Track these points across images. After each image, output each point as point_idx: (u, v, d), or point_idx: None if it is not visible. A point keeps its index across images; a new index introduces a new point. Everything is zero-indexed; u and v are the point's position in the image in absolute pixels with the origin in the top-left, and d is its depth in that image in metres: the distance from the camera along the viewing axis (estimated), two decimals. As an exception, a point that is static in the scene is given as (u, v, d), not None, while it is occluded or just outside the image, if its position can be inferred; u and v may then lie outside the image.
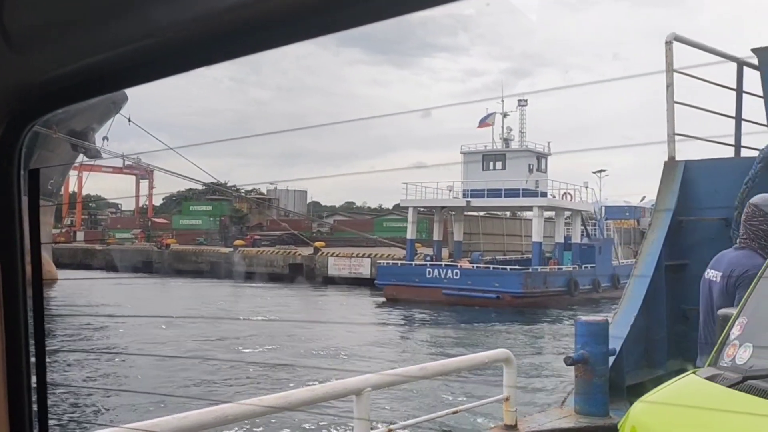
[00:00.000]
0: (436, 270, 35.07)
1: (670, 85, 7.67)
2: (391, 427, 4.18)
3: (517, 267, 35.66)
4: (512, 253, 45.68)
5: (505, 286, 32.76)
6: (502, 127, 40.76)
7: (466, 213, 42.70)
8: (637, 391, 4.44)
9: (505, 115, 40.81)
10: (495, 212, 48.09)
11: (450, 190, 39.58)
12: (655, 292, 7.15)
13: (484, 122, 40.41)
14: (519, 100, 44.33)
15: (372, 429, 4.03)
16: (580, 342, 5.79)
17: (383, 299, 35.42)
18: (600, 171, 52.99)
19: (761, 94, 8.27)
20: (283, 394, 3.79)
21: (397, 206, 41.36)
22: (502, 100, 39.97)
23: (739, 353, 2.77)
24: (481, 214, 46.41)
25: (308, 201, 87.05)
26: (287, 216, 67.11)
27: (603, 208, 50.38)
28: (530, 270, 34.73)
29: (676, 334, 7.24)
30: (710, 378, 2.73)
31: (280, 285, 42.24)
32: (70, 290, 33.78)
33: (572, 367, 5.88)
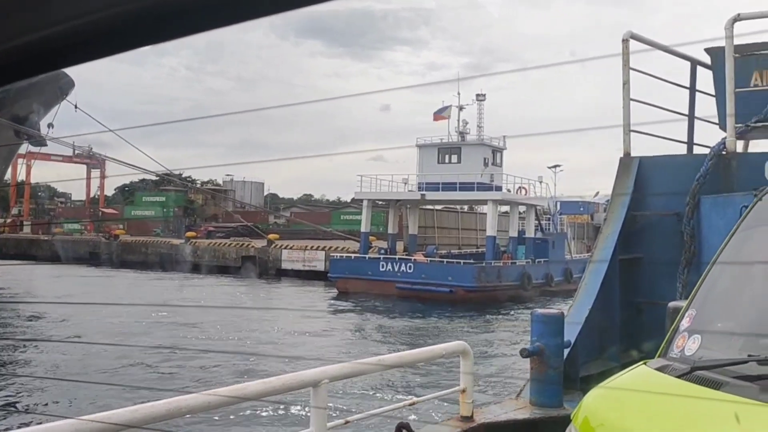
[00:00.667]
0: (389, 263, 34.94)
1: (626, 82, 7.79)
2: (349, 419, 4.17)
3: (471, 261, 35.74)
4: (468, 247, 45.59)
5: (459, 280, 32.71)
6: (458, 120, 40.83)
7: (421, 206, 42.64)
8: (591, 382, 4.52)
9: (461, 108, 40.79)
10: (452, 206, 48.00)
11: (405, 183, 39.36)
12: (609, 285, 7.28)
13: (439, 115, 40.33)
14: (477, 95, 44.57)
15: (329, 421, 4.01)
16: (536, 334, 5.86)
17: (336, 292, 35.06)
18: (555, 166, 53.41)
19: (713, 93, 8.47)
20: (239, 386, 3.75)
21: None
22: (458, 93, 40.09)
23: (688, 344, 2.82)
24: (437, 207, 46.39)
25: (266, 193, 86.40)
26: (243, 208, 66.42)
27: (558, 204, 51.09)
28: (484, 264, 34.85)
29: (630, 326, 7.39)
30: (660, 369, 2.78)
31: (231, 277, 41.73)
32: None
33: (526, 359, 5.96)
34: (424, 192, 38.21)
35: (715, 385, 2.38)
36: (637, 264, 7.71)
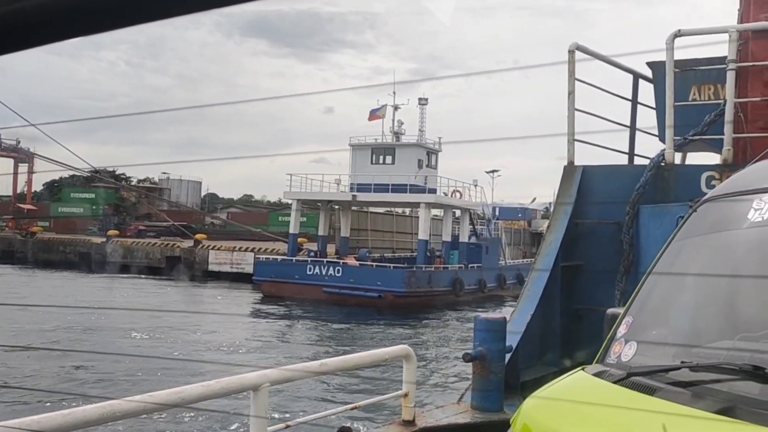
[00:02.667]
0: (317, 267, 33.82)
1: (571, 92, 7.94)
2: (289, 423, 4.12)
3: (401, 265, 34.64)
4: (404, 251, 44.34)
5: (388, 284, 31.77)
6: (393, 120, 39.62)
7: (354, 208, 41.52)
8: (532, 387, 4.58)
9: (396, 107, 39.63)
10: (388, 208, 46.98)
11: (338, 184, 38.30)
12: (551, 291, 7.41)
13: (374, 114, 39.29)
14: (419, 99, 44.09)
15: (269, 425, 3.95)
16: (479, 339, 5.92)
17: (261, 296, 33.80)
18: (493, 171, 53.43)
19: (654, 105, 8.71)
20: (176, 390, 3.66)
21: (317, 202, 40.14)
22: (394, 93, 38.93)
23: (625, 351, 2.87)
24: (372, 209, 45.19)
25: (205, 192, 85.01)
26: (179, 207, 64.95)
27: (497, 209, 51.35)
28: (414, 268, 33.80)
29: (570, 332, 7.53)
30: (597, 374, 2.82)
31: (153, 278, 39.98)
32: None
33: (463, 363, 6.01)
34: (355, 193, 37.06)
35: (650, 390, 2.43)
36: (578, 271, 7.86)
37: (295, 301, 31.17)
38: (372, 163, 37.90)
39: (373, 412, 8.51)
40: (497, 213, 51.18)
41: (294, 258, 35.85)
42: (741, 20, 7.39)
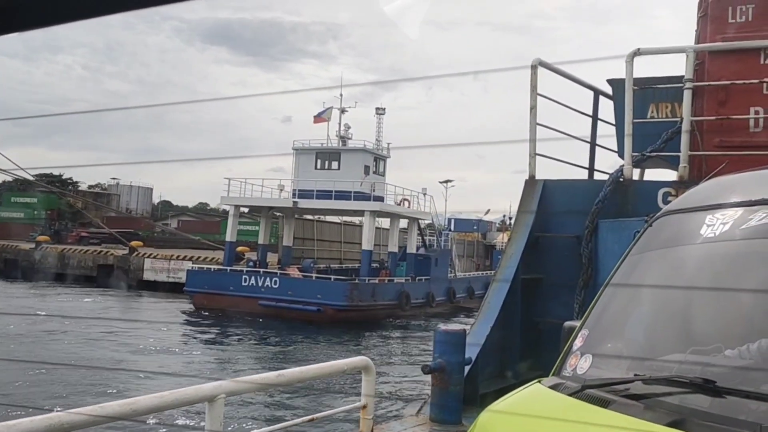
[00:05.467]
0: (253, 278, 31.64)
1: (533, 107, 8.03)
2: (245, 435, 4.05)
3: (342, 277, 32.65)
4: (351, 262, 41.70)
5: (329, 297, 29.90)
6: (339, 124, 37.97)
7: (299, 216, 39.67)
8: (491, 399, 4.57)
9: (342, 110, 38.07)
10: (336, 216, 44.55)
11: (281, 190, 36.25)
12: (511, 304, 7.45)
13: (319, 117, 37.53)
14: (377, 109, 43.33)
15: (224, 437, 3.88)
16: (438, 351, 5.92)
17: (192, 308, 31.59)
18: (447, 181, 52.35)
19: (614, 121, 8.86)
20: (128, 401, 3.57)
21: (258, 208, 38.18)
22: (341, 95, 37.60)
23: (580, 363, 2.89)
24: (317, 217, 43.38)
25: (158, 200, 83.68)
26: (129, 213, 63.50)
27: (452, 221, 50.85)
28: (357, 281, 31.93)
29: (529, 344, 7.57)
30: (553, 387, 2.83)
31: (80, 288, 37.41)
32: None
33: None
34: (297, 199, 34.99)
35: (603, 403, 2.44)
36: (538, 284, 7.93)
37: (229, 315, 29.27)
38: (316, 168, 36.11)
39: (331, 424, 8.43)
40: (452, 225, 50.52)
41: (229, 268, 33.67)
42: (698, 41, 7.57)
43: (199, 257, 40.89)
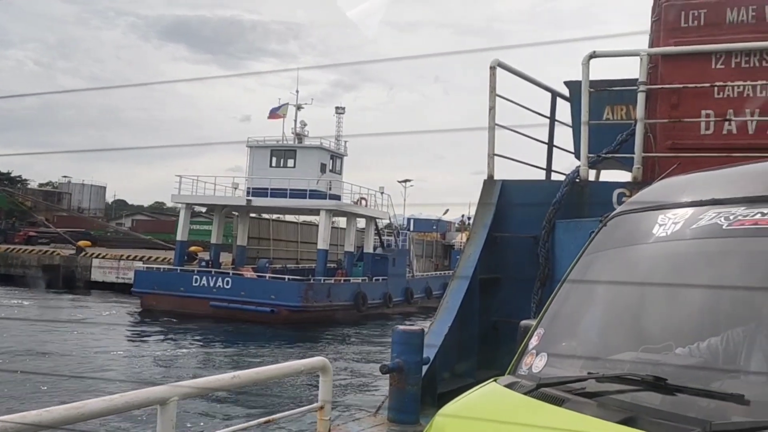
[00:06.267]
0: (204, 278, 30.74)
1: (492, 108, 8.08)
2: (199, 438, 3.97)
3: (297, 277, 31.95)
4: (309, 262, 40.39)
5: (282, 298, 29.21)
6: (295, 121, 37.18)
7: (255, 215, 39.10)
8: (449, 399, 4.58)
9: (298, 107, 37.31)
10: (301, 216, 43.81)
11: (235, 188, 35.58)
12: (469, 303, 7.48)
13: (274, 113, 36.72)
14: (336, 108, 43.16)
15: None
16: (396, 351, 5.91)
17: (141, 310, 30.63)
18: (405, 181, 52.42)
19: (571, 123, 8.98)
20: (76, 405, 3.46)
21: (212, 207, 37.24)
22: (297, 91, 36.97)
23: (536, 362, 2.90)
24: (277, 217, 42.80)
25: (113, 198, 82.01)
26: (81, 212, 61.96)
27: (412, 221, 50.80)
28: (312, 281, 31.28)
29: (487, 343, 7.62)
30: (509, 386, 2.84)
31: (21, 289, 35.83)
32: None
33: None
34: (251, 197, 34.17)
35: (558, 401, 2.45)
36: (496, 283, 7.98)
37: (178, 316, 28.32)
38: (271, 165, 35.22)
39: (287, 425, 8.36)
40: (411, 224, 50.44)
41: (179, 268, 32.76)
42: (651, 45, 7.71)
43: (150, 257, 39.97)
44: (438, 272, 46.40)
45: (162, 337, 24.73)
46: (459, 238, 52.13)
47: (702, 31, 7.34)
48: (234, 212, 37.46)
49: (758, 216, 2.37)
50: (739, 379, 2.28)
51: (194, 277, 31.12)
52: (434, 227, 57.69)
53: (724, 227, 2.45)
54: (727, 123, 7.13)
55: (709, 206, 2.61)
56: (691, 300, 2.63)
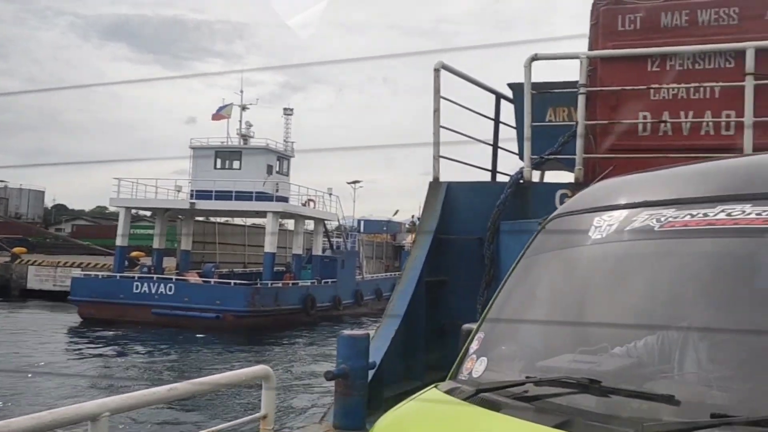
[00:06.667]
0: (146, 284, 29.77)
1: (436, 110, 8.10)
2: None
3: (243, 282, 31.53)
4: (256, 266, 39.22)
5: (228, 303, 28.56)
6: (240, 122, 36.73)
7: (203, 219, 38.40)
8: (396, 403, 4.55)
9: (243, 107, 36.86)
10: (249, 219, 43.27)
11: (178, 191, 34.63)
12: (415, 306, 7.47)
13: (218, 114, 36.13)
14: (285, 109, 42.82)
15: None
16: (342, 356, 5.85)
17: (78, 318, 29.40)
18: (355, 182, 52.55)
19: (515, 125, 9.08)
20: (1, 423, 3.30)
21: (153, 210, 36.02)
22: (241, 91, 37.39)
23: (476, 367, 2.89)
24: (226, 220, 42.17)
25: (52, 203, 79.62)
26: (18, 218, 59.98)
27: (362, 222, 50.73)
28: (259, 285, 30.79)
29: (434, 346, 7.62)
30: (449, 391, 2.82)
31: None
32: None
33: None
34: (194, 200, 33.17)
35: (496, 406, 2.44)
36: (442, 286, 8.00)
37: (119, 325, 27.24)
38: (216, 167, 34.64)
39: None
40: (361, 226, 50.38)
41: (119, 274, 31.68)
42: (591, 48, 7.85)
43: (90, 264, 38.68)
44: (388, 273, 46.41)
45: (100, 347, 23.71)
46: (409, 239, 52.39)
47: (638, 35, 7.50)
48: (178, 216, 36.56)
49: (687, 218, 2.40)
50: (671, 379, 2.31)
51: (135, 283, 30.18)
52: (384, 228, 57.80)
53: (655, 229, 2.48)
54: (663, 124, 7.31)
55: (642, 208, 2.64)
56: (626, 301, 2.66)
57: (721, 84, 7.10)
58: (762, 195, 2.27)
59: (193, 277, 31.84)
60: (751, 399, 2.01)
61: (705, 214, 2.36)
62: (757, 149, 6.33)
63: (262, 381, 4.74)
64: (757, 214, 2.21)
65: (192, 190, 34.22)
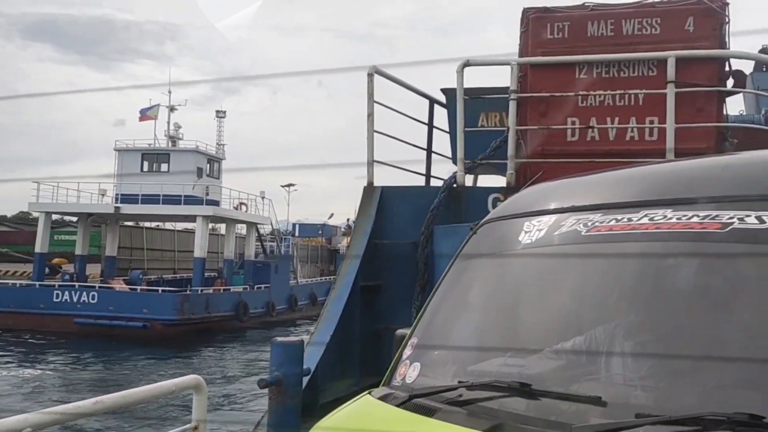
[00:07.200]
0: (67, 293, 28.47)
1: (370, 115, 8.11)
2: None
3: (171, 288, 30.42)
4: (187, 272, 37.49)
5: (156, 311, 27.42)
6: (168, 123, 35.67)
7: (131, 224, 37.34)
8: (331, 409, 4.52)
9: (171, 108, 35.87)
10: (179, 223, 41.88)
11: (103, 195, 33.43)
12: (350, 311, 7.44)
13: (145, 115, 35.16)
14: (217, 112, 42.09)
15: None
16: (275, 363, 5.76)
17: None
18: (289, 185, 51.54)
19: (448, 129, 9.17)
20: None
21: (75, 215, 34.57)
22: (169, 92, 35.50)
23: (409, 372, 2.88)
24: (154, 225, 40.98)
25: (-30, 208, 75.60)
26: None
27: (297, 225, 50.17)
28: (189, 292, 29.86)
29: (370, 351, 7.61)
30: (382, 398, 2.80)
31: None
32: None
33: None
34: (119, 205, 32.16)
35: (429, 412, 2.43)
36: (377, 291, 8.00)
37: (40, 336, 26.04)
38: (143, 170, 33.25)
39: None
40: (297, 230, 49.82)
41: (38, 283, 30.09)
42: (521, 54, 8.01)
43: (8, 272, 36.99)
44: (323, 278, 46.01)
45: (19, 360, 22.59)
46: (345, 243, 52.25)
47: (566, 43, 7.71)
48: (104, 220, 35.19)
49: (612, 222, 2.46)
50: (599, 380, 2.35)
51: (55, 292, 28.87)
52: (320, 232, 57.37)
53: (582, 233, 2.53)
54: (590, 130, 7.52)
55: (569, 213, 2.69)
56: (555, 304, 2.70)
57: (644, 91, 7.36)
58: (682, 200, 2.35)
59: (118, 285, 30.84)
60: (674, 397, 2.07)
61: (629, 219, 2.42)
62: (679, 154, 6.59)
63: (193, 391, 4.62)
64: (677, 219, 2.28)
65: (117, 194, 33.07)
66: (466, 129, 7.87)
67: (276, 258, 38.08)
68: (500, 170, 8.13)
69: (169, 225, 42.31)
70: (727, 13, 7.46)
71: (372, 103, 8.10)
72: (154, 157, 34.07)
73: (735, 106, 10.30)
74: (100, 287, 29.55)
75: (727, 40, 7.49)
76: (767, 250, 2.07)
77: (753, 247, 2.10)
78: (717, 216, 2.19)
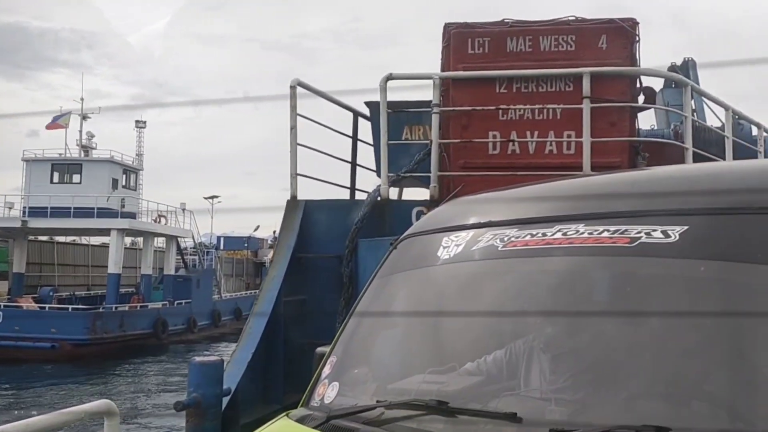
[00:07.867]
0: None
1: (293, 127, 8.03)
2: None
3: (82, 307, 29.04)
4: (102, 288, 35.28)
5: (66, 331, 26.00)
6: (81, 132, 34.10)
7: (43, 238, 35.45)
8: (253, 429, 4.38)
9: (84, 117, 34.20)
10: (95, 237, 39.48)
11: (10, 208, 31.44)
12: (273, 327, 7.30)
13: (55, 123, 33.33)
14: (137, 122, 40.76)
15: None
16: (193, 385, 5.57)
17: None
18: (213, 197, 50.24)
19: (372, 142, 9.18)
20: None
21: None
22: (82, 99, 34.06)
23: (328, 392, 2.82)
24: (69, 239, 39.10)
25: None
26: None
27: (222, 238, 49.15)
28: (102, 309, 28.65)
29: (294, 369, 7.47)
30: (300, 419, 2.73)
31: None
32: None
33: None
34: (26, 218, 30.37)
35: (348, 433, 2.38)
36: (301, 305, 7.88)
37: None
38: (53, 182, 31.62)
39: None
40: (221, 243, 48.88)
41: None
42: (443, 69, 8.10)
43: None
44: (249, 292, 45.03)
45: None
46: (271, 256, 51.33)
47: (487, 58, 7.85)
48: (11, 235, 33.03)
49: (528, 237, 2.48)
50: (516, 396, 2.35)
51: None
52: (245, 245, 56.35)
53: (499, 248, 2.53)
54: (511, 143, 7.66)
55: (487, 228, 2.69)
56: (473, 319, 2.70)
57: (561, 106, 7.56)
58: (593, 215, 2.39)
59: (27, 303, 29.19)
60: (587, 411, 2.09)
61: (544, 234, 2.44)
62: (595, 168, 6.79)
63: (104, 417, 4.40)
64: (589, 233, 2.32)
65: (24, 207, 31.23)
66: (390, 142, 7.89)
67: (198, 272, 36.90)
68: (425, 183, 8.18)
69: (84, 239, 40.45)
70: (637, 32, 7.77)
71: (295, 115, 8.02)
72: (65, 168, 32.37)
73: (647, 121, 10.70)
74: (5, 306, 28.01)
75: (638, 57, 7.80)
76: (672, 264, 2.13)
77: (659, 261, 2.15)
78: (626, 231, 2.23)
